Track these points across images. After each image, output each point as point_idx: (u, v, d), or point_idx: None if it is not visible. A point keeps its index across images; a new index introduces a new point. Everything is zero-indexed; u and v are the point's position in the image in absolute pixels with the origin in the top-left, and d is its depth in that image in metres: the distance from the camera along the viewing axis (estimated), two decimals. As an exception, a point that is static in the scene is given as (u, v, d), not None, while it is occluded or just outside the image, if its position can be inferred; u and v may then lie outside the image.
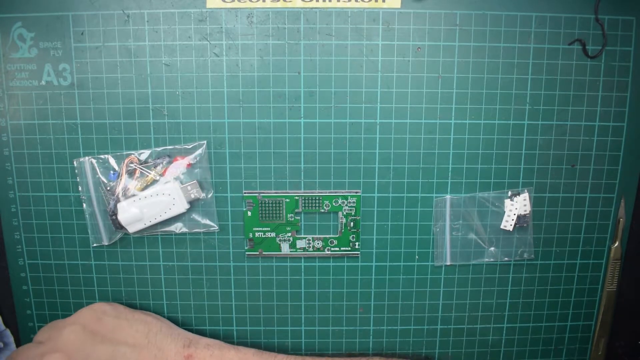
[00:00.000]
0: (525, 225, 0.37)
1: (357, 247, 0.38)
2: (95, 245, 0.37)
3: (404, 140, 0.36)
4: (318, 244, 0.38)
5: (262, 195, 0.37)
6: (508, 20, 0.35)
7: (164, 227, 0.37)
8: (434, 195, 0.37)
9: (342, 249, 0.38)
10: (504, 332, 0.40)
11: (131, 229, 0.36)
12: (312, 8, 0.34)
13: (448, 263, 0.38)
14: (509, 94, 0.36)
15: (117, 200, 0.35)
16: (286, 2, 0.34)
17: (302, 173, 0.37)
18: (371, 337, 0.40)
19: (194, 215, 0.37)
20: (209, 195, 0.36)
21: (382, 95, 0.35)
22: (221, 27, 0.34)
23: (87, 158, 0.36)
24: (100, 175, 0.36)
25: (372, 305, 0.39)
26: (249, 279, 0.38)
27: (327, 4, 0.34)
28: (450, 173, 0.37)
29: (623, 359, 0.40)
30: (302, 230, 0.38)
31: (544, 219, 0.38)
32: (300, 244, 0.38)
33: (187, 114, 0.36)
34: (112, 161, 0.36)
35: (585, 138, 0.37)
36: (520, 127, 0.36)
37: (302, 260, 0.38)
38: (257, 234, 0.37)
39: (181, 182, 0.36)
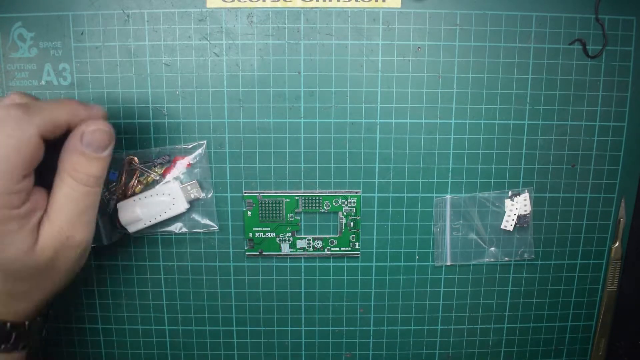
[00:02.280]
0: (525, 225, 0.37)
1: (357, 247, 0.38)
2: (94, 245, 0.37)
3: (404, 140, 0.36)
4: (318, 244, 0.38)
5: (262, 195, 0.37)
6: (508, 20, 0.35)
7: (164, 227, 0.37)
8: (434, 195, 0.37)
9: (342, 249, 0.38)
10: (505, 332, 0.40)
11: (131, 229, 0.36)
12: (312, 8, 0.34)
13: (448, 263, 0.38)
14: (509, 93, 0.36)
15: (117, 200, 0.35)
16: (286, 1, 0.34)
17: (302, 173, 0.37)
18: (371, 337, 0.40)
19: (193, 215, 0.37)
20: (209, 195, 0.36)
21: (382, 95, 0.35)
22: (221, 27, 0.34)
23: (87, 158, 0.36)
24: (100, 175, 0.36)
25: (372, 305, 0.39)
26: (249, 279, 0.38)
27: (327, 4, 0.34)
28: (450, 173, 0.37)
29: (623, 359, 0.40)
30: (302, 230, 0.38)
31: (545, 219, 0.38)
32: (300, 244, 0.38)
33: (187, 113, 0.36)
34: (112, 161, 0.36)
35: (586, 138, 0.37)
36: (520, 127, 0.36)
37: (302, 260, 0.38)
38: (257, 234, 0.37)
39: (181, 182, 0.36)
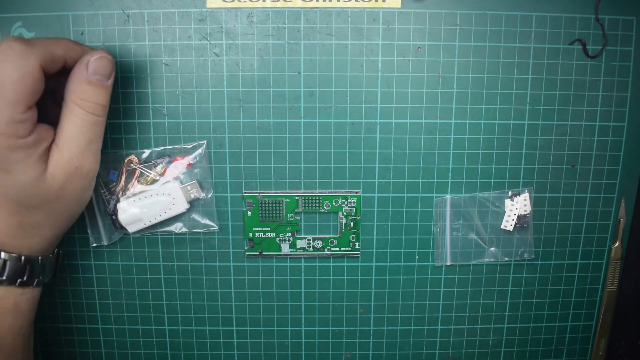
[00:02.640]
0: (525, 225, 0.37)
1: (357, 247, 0.38)
2: (94, 245, 0.37)
3: (404, 140, 0.36)
4: (318, 244, 0.38)
5: (262, 195, 0.37)
6: (508, 20, 0.35)
7: (164, 227, 0.37)
8: (434, 195, 0.37)
9: (342, 249, 0.38)
10: (505, 332, 0.40)
11: (131, 229, 0.36)
12: (312, 8, 0.34)
13: (448, 263, 0.38)
14: (509, 93, 0.36)
15: (117, 200, 0.35)
16: (286, 1, 0.34)
17: (302, 173, 0.37)
18: (371, 337, 0.40)
19: (193, 215, 0.37)
20: (209, 195, 0.36)
21: (382, 95, 0.35)
22: (221, 27, 0.34)
23: (87, 158, 0.36)
24: (100, 175, 0.36)
25: (372, 305, 0.39)
26: (249, 279, 0.38)
27: (327, 4, 0.34)
28: (450, 173, 0.37)
29: (623, 359, 0.40)
30: (302, 230, 0.38)
31: (545, 219, 0.38)
32: (300, 244, 0.38)
33: (187, 113, 0.36)
34: (112, 161, 0.36)
35: (586, 138, 0.37)
36: (520, 127, 0.36)
37: (302, 260, 0.38)
38: (257, 234, 0.37)
39: (181, 182, 0.36)
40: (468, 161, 0.37)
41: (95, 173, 0.31)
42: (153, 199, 0.35)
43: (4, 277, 0.29)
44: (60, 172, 0.28)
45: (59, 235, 0.32)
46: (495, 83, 0.35)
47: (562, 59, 0.35)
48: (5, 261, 0.29)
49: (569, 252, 0.38)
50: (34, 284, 0.31)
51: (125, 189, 0.36)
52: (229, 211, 0.37)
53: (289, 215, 0.37)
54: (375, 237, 0.38)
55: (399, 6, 0.34)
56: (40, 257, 0.31)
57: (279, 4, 0.34)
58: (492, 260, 0.38)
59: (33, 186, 0.28)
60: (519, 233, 0.38)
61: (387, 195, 0.37)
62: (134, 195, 0.35)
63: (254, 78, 0.35)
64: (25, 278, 0.30)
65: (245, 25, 0.34)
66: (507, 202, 0.37)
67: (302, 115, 0.36)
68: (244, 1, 0.34)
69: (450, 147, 0.36)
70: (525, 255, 0.38)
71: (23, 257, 0.29)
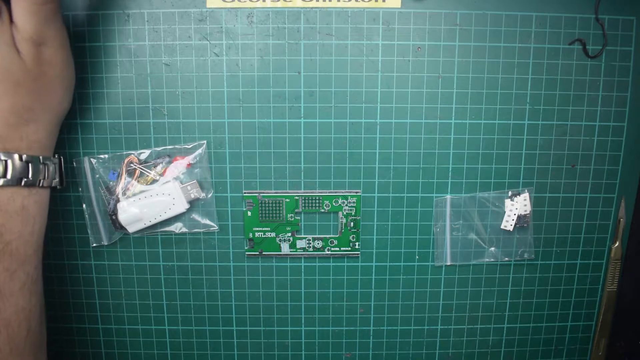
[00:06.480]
0: (525, 225, 0.37)
1: (357, 247, 0.38)
2: (94, 245, 0.37)
3: (404, 140, 0.36)
4: (318, 244, 0.38)
5: (262, 195, 0.37)
6: (508, 20, 0.35)
7: (164, 227, 0.37)
8: (434, 195, 0.37)
9: (342, 249, 0.38)
10: (504, 332, 0.40)
11: (131, 229, 0.36)
12: (312, 8, 0.34)
13: (448, 263, 0.38)
14: (509, 93, 0.36)
15: (117, 200, 0.35)
16: (286, 1, 0.34)
17: (302, 173, 0.37)
18: (371, 337, 0.40)
19: (193, 215, 0.37)
20: (209, 195, 0.36)
21: (382, 95, 0.35)
22: (221, 27, 0.34)
23: (86, 158, 0.36)
24: (100, 175, 0.36)
25: (372, 305, 0.39)
26: (249, 279, 0.38)
27: (327, 4, 0.34)
28: (450, 173, 0.37)
29: (623, 359, 0.40)
30: (302, 230, 0.38)
31: (545, 219, 0.38)
32: (300, 244, 0.38)
33: (187, 113, 0.36)
34: (112, 161, 0.36)
35: (586, 138, 0.37)
36: (520, 127, 0.36)
37: (302, 260, 0.38)
38: (257, 234, 0.37)
39: (181, 182, 0.36)
40: (468, 161, 0.37)
41: (66, 48, 0.31)
42: (153, 199, 0.35)
43: (9, 177, 0.29)
44: (26, 49, 0.28)
45: (53, 126, 0.32)
46: (495, 83, 0.35)
47: (562, 59, 0.35)
48: (5, 161, 0.28)
49: (569, 252, 0.38)
50: (39, 184, 0.31)
51: (125, 189, 0.36)
52: (229, 211, 0.37)
53: (289, 215, 0.37)
54: (375, 237, 0.38)
55: (399, 6, 0.34)
56: (41, 157, 0.31)
57: (279, 4, 0.34)
58: (492, 260, 0.38)
59: (9, 63, 0.28)
60: (519, 233, 0.38)
61: (387, 195, 0.37)
62: (134, 195, 0.35)
63: (254, 78, 0.35)
64: (29, 177, 0.30)
65: (245, 25, 0.34)
66: (507, 202, 0.37)
67: (302, 115, 0.36)
68: (244, 1, 0.34)
69: (450, 147, 0.36)
70: (525, 255, 0.38)
71: (24, 155, 0.29)
